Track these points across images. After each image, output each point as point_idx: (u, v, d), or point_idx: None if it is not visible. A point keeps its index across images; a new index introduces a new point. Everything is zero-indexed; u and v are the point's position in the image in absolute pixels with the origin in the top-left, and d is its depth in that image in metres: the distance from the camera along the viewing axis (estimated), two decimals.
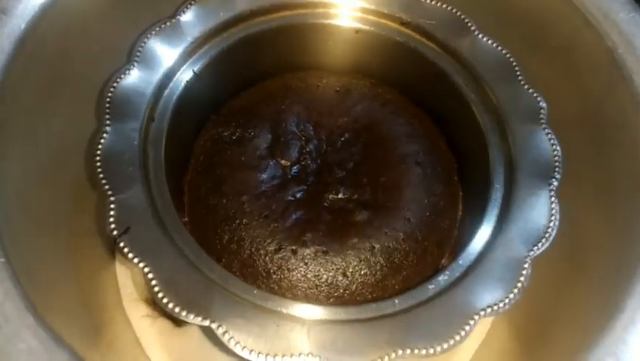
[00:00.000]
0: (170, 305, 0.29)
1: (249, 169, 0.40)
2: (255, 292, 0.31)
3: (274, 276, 0.37)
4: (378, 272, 0.38)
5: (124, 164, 0.33)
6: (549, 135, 0.36)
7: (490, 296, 0.31)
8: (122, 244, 0.30)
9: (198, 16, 0.39)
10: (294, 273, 0.37)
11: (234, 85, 0.44)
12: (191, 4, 0.40)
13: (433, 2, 0.42)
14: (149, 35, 0.38)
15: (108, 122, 0.34)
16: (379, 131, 0.43)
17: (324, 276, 0.37)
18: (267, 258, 0.37)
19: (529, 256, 0.32)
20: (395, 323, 0.30)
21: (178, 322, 0.46)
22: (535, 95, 0.38)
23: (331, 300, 0.37)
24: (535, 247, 0.33)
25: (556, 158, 0.36)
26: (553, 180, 0.35)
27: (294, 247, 0.37)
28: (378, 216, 0.39)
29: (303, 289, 0.37)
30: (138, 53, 0.37)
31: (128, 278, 0.47)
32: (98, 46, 0.38)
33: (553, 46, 0.40)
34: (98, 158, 0.33)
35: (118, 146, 0.34)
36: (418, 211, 0.40)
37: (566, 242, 0.34)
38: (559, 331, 0.37)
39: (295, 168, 0.41)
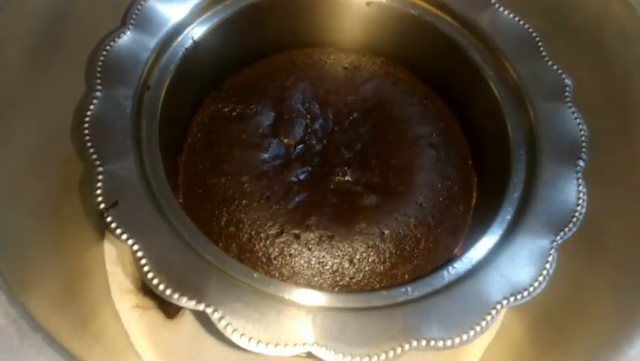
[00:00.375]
0: (161, 287, 0.26)
1: (250, 148, 0.37)
2: (255, 275, 0.28)
3: (275, 262, 0.34)
4: (387, 260, 0.35)
5: (114, 133, 0.30)
6: (575, 114, 0.34)
7: (512, 285, 0.29)
8: (109, 219, 0.27)
9: None
10: (297, 259, 0.34)
11: (237, 58, 0.41)
12: None
13: None
14: None
15: (99, 87, 0.31)
16: (390, 112, 0.40)
17: (329, 263, 0.34)
18: (268, 242, 0.34)
19: (555, 241, 0.30)
20: (409, 312, 0.28)
21: (169, 314, 0.43)
22: (559, 71, 0.35)
23: (336, 289, 0.34)
24: (562, 233, 0.30)
25: (583, 138, 0.33)
26: (580, 160, 0.32)
27: (296, 231, 0.35)
28: (389, 201, 0.36)
29: (306, 277, 0.34)
30: (135, 15, 0.34)
31: (117, 267, 0.44)
32: (93, 4, 0.35)
33: (578, 22, 0.37)
34: (86, 125, 0.30)
35: (109, 113, 0.31)
36: (431, 196, 0.37)
37: (589, 229, 0.31)
38: (578, 329, 0.34)
39: (299, 147, 0.38)
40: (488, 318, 0.27)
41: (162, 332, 0.43)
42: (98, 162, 0.29)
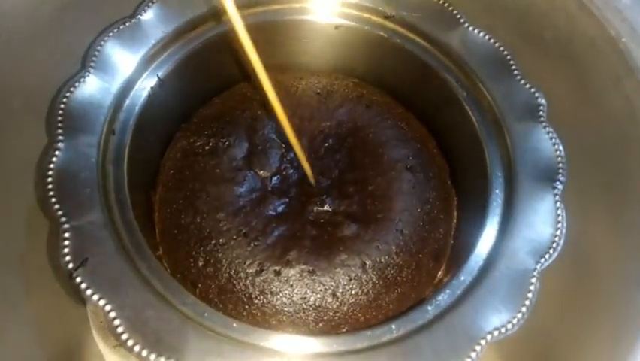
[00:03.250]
0: (137, 348, 0.25)
1: (225, 182, 0.37)
2: (235, 325, 0.27)
3: (256, 301, 0.33)
4: (370, 291, 0.34)
5: (79, 185, 0.29)
6: (550, 134, 0.34)
7: (496, 317, 0.28)
8: (78, 279, 0.26)
9: (160, 15, 0.36)
10: (279, 296, 0.34)
11: (204, 91, 0.40)
12: (152, 2, 0.36)
13: None
14: (105, 38, 0.34)
15: (60, 137, 0.30)
16: (365, 136, 0.39)
17: (312, 298, 0.34)
18: (248, 281, 0.34)
19: (536, 269, 0.29)
20: (393, 352, 0.27)
21: None
22: (532, 90, 0.35)
23: (320, 324, 0.34)
24: (543, 259, 0.30)
25: (560, 158, 0.33)
26: (558, 182, 0.32)
27: (277, 268, 0.34)
28: (368, 229, 0.36)
29: (289, 314, 0.34)
30: (94, 58, 0.33)
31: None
32: (49, 52, 0.34)
33: (548, 37, 0.37)
34: (49, 179, 0.29)
35: (72, 164, 0.30)
36: (411, 221, 0.36)
37: (572, 252, 0.31)
38: (563, 354, 0.34)
39: (275, 178, 0.38)
40: (473, 355, 0.27)
41: None
42: (63, 219, 0.28)
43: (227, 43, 0.38)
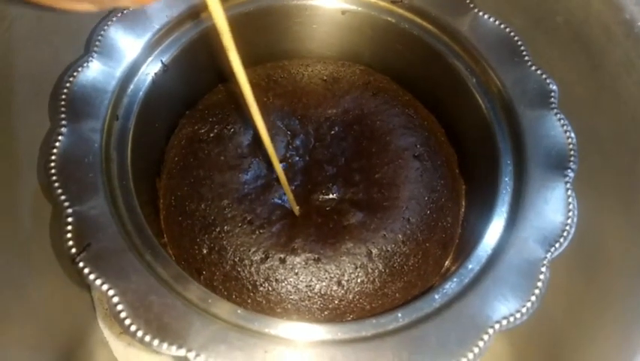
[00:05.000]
0: (140, 334, 0.25)
1: (230, 169, 0.36)
2: (239, 311, 0.27)
3: (261, 289, 0.33)
4: (376, 279, 0.34)
5: (83, 170, 0.29)
6: (562, 121, 0.33)
7: (504, 306, 0.28)
8: (81, 264, 0.26)
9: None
10: (284, 284, 0.33)
11: (209, 77, 0.40)
12: None
13: None
14: (109, 22, 0.33)
15: (64, 122, 0.30)
16: (372, 124, 0.39)
17: (317, 286, 0.33)
18: (253, 269, 0.33)
19: (546, 258, 0.29)
20: (399, 341, 0.27)
21: None
22: (544, 76, 0.34)
23: (326, 313, 0.33)
24: (553, 248, 0.29)
25: (571, 146, 0.32)
26: (569, 170, 0.31)
27: (282, 256, 0.33)
28: (375, 218, 0.35)
29: (294, 302, 0.33)
30: (97, 43, 0.32)
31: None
32: (52, 36, 0.33)
33: (560, 21, 0.36)
34: (52, 164, 0.28)
35: (76, 149, 0.29)
36: (418, 210, 0.36)
37: (582, 241, 0.30)
38: (574, 345, 0.33)
39: (281, 166, 0.37)
40: (481, 344, 0.26)
41: (154, 358, 0.42)
42: (66, 203, 0.27)
43: (232, 29, 0.37)
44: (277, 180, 0.37)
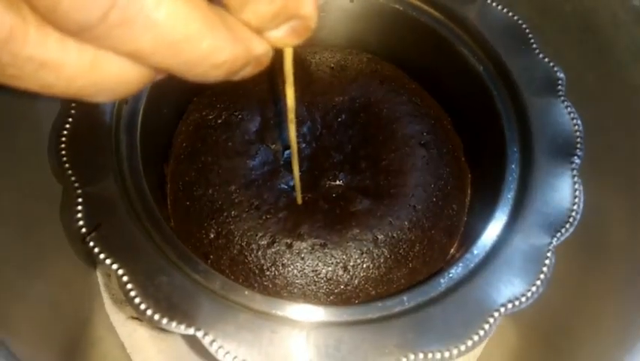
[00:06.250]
0: (149, 312, 0.25)
1: (237, 155, 0.36)
2: (247, 293, 0.27)
3: (268, 273, 0.33)
4: (382, 265, 0.34)
5: (93, 152, 0.29)
6: (569, 108, 0.33)
7: (509, 290, 0.28)
8: (91, 244, 0.26)
9: None
10: (290, 269, 0.33)
11: None
12: None
13: None
14: None
15: (74, 104, 0.30)
16: (379, 111, 0.39)
17: (323, 271, 0.34)
18: (260, 253, 0.34)
19: (552, 243, 0.29)
20: (405, 323, 0.27)
21: None
22: (551, 64, 0.34)
23: (331, 297, 0.34)
24: (559, 234, 0.29)
25: (578, 133, 0.32)
26: (575, 157, 0.31)
27: (288, 240, 0.34)
28: (381, 205, 0.35)
29: (300, 287, 0.34)
30: None
31: (110, 278, 0.43)
32: None
33: (568, 10, 0.36)
34: (62, 145, 0.29)
35: (86, 132, 0.30)
36: (424, 197, 0.36)
37: (587, 228, 0.30)
38: (577, 333, 0.33)
39: (287, 153, 0.37)
40: (486, 327, 0.26)
41: (160, 343, 0.43)
42: (77, 184, 0.28)
43: None
44: (284, 166, 0.37)
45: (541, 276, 0.28)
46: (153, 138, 0.35)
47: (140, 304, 0.25)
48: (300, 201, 0.35)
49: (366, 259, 0.34)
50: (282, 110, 0.38)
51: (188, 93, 0.39)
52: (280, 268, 0.34)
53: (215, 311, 0.26)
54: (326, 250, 0.34)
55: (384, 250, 0.34)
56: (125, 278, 0.26)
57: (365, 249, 0.34)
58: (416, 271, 0.35)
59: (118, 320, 0.43)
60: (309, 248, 0.34)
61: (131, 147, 0.31)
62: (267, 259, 0.34)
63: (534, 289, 0.28)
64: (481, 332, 0.26)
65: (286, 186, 0.36)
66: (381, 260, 0.34)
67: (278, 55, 0.36)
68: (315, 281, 0.34)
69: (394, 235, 0.35)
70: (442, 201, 0.36)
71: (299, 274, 0.34)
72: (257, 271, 0.34)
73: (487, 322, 0.27)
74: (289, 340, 0.26)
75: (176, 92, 0.37)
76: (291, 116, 0.27)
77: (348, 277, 0.34)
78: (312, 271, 0.34)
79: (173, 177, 0.37)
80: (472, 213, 0.38)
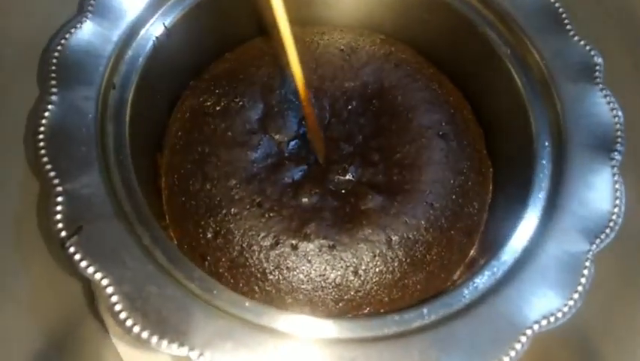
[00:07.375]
0: (136, 329, 0.22)
1: (238, 146, 0.33)
2: (247, 304, 0.24)
3: (271, 277, 0.30)
4: (396, 269, 0.31)
5: (75, 143, 0.26)
6: (608, 97, 0.30)
7: (544, 303, 0.25)
8: (71, 249, 0.23)
9: None
10: (295, 273, 0.31)
11: (216, 44, 0.36)
12: None
13: None
14: None
15: (54, 89, 0.27)
16: (393, 99, 0.36)
17: (332, 275, 0.31)
18: (262, 255, 0.31)
19: (590, 250, 0.26)
20: (425, 340, 0.24)
21: None
22: (588, 47, 0.31)
23: (340, 304, 0.31)
24: (598, 240, 0.26)
25: (618, 125, 0.29)
26: (616, 153, 0.28)
27: (294, 241, 0.31)
28: (395, 202, 0.32)
29: (307, 292, 0.31)
30: (92, 2, 0.29)
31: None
32: None
33: None
34: (40, 137, 0.26)
35: (67, 120, 0.27)
36: (443, 194, 0.33)
37: (627, 233, 0.27)
38: (612, 351, 0.30)
39: (293, 143, 0.34)
40: (518, 346, 0.23)
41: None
42: (56, 181, 0.25)
43: None
44: (289, 159, 0.34)
45: (579, 288, 0.25)
46: (144, 126, 0.31)
47: (126, 319, 0.22)
48: (322, 160, 0.32)
49: (378, 263, 0.31)
50: (287, 98, 0.35)
51: (183, 76, 0.36)
52: (284, 271, 0.31)
53: (211, 327, 0.23)
54: (335, 252, 0.31)
55: (398, 252, 0.31)
56: (109, 290, 0.23)
57: (378, 251, 0.31)
58: (433, 275, 0.32)
59: (114, 327, 0.40)
60: (317, 250, 0.31)
61: (118, 138, 0.28)
62: (269, 262, 0.31)
63: (571, 303, 0.25)
64: (512, 353, 0.23)
65: (291, 181, 0.33)
66: (396, 264, 0.31)
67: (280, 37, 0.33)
68: (322, 287, 0.31)
69: (410, 235, 0.32)
70: (462, 199, 0.33)
71: (305, 279, 0.31)
72: (259, 275, 0.31)
73: (519, 341, 0.24)
74: (295, 359, 0.23)
75: (170, 74, 0.34)
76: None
77: (359, 282, 0.31)
78: (320, 275, 0.31)
79: (167, 169, 0.34)
80: (494, 211, 0.34)
